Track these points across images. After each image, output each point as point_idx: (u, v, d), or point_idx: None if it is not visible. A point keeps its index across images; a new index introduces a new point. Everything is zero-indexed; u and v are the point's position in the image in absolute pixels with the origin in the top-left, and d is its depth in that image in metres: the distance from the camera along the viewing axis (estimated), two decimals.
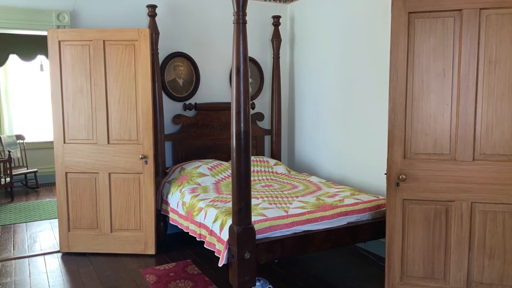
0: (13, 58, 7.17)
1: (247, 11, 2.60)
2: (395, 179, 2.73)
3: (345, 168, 4.31)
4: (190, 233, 3.46)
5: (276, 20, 4.75)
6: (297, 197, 3.47)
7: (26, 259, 3.94)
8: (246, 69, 2.61)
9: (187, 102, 4.57)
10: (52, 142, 3.93)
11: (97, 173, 3.89)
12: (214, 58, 4.70)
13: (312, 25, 4.68)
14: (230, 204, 3.13)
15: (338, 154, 4.41)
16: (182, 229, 3.64)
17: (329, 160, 4.54)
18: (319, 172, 4.68)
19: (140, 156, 3.83)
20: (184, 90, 4.57)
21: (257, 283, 3.11)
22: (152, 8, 4.09)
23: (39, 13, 3.90)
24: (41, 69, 7.45)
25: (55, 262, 3.85)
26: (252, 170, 4.04)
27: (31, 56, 7.17)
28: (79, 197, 3.91)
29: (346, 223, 3.16)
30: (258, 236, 2.79)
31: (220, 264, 2.81)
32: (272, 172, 4.42)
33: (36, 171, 6.94)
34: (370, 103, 3.95)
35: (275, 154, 4.88)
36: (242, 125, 2.62)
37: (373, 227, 3.21)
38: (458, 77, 2.58)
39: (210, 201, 3.38)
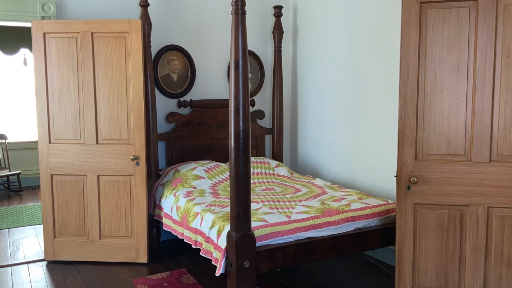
0: None
1: (246, 1, 2.60)
2: (405, 182, 2.73)
3: (352, 170, 4.31)
4: (185, 240, 3.46)
5: (278, 11, 4.75)
6: (300, 201, 3.48)
7: (9, 268, 3.94)
8: (245, 63, 2.61)
9: (181, 99, 4.57)
10: (36, 142, 3.93)
11: (85, 175, 3.89)
12: (211, 51, 4.70)
13: (316, 15, 4.68)
14: (228, 209, 3.13)
15: (344, 155, 4.41)
16: (177, 236, 3.64)
17: (334, 162, 4.55)
18: (324, 174, 4.68)
19: (131, 157, 3.83)
20: (178, 86, 4.57)
21: None
22: None
23: (22, 3, 3.90)
24: (25, 63, 7.45)
25: (39, 271, 3.85)
26: (252, 172, 4.04)
27: (14, 49, 7.17)
28: (65, 201, 3.91)
29: (353, 229, 3.16)
30: (258, 243, 2.79)
31: (217, 273, 2.81)
32: (274, 174, 4.43)
33: (19, 173, 6.95)
34: (379, 100, 3.95)
35: (277, 155, 4.88)
36: (241, 123, 2.62)
37: (382, 233, 3.21)
38: (474, 71, 2.58)
39: (207, 206, 3.38)
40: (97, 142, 3.86)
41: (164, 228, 3.88)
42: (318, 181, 4.14)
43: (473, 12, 2.56)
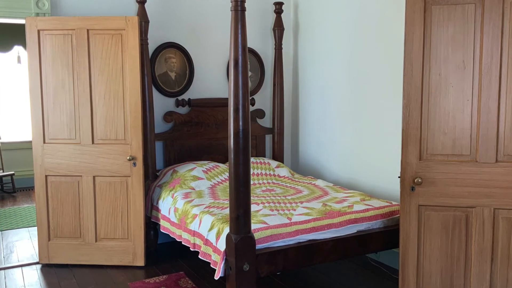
0: None
1: None
2: (409, 183, 2.73)
3: (355, 171, 4.31)
4: (183, 243, 3.46)
5: (278, 7, 4.75)
6: (301, 202, 3.47)
7: (2, 271, 3.94)
8: (245, 61, 2.61)
9: (179, 98, 4.57)
10: (30, 142, 3.93)
11: (81, 176, 3.89)
12: (210, 49, 4.70)
13: (318, 12, 4.68)
14: (227, 211, 3.13)
15: (346, 155, 4.41)
16: (174, 238, 3.64)
17: (336, 162, 4.55)
18: (326, 175, 4.68)
19: (128, 158, 3.83)
20: (176, 84, 4.57)
21: None
22: None
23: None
24: (19, 61, 7.44)
25: (34, 275, 3.84)
26: (251, 173, 4.04)
27: (7, 47, 7.17)
28: (60, 202, 3.91)
29: (355, 231, 3.16)
30: (258, 246, 2.78)
31: (216, 277, 2.81)
32: (274, 175, 4.43)
33: (13, 174, 6.94)
34: (382, 99, 3.95)
35: (277, 155, 4.88)
36: (240, 123, 2.62)
37: (386, 235, 3.21)
38: (480, 69, 2.58)
39: (205, 207, 3.38)
40: (92, 142, 3.86)
41: (161, 230, 3.88)
42: (319, 182, 4.14)
43: (478, 9, 2.56)
